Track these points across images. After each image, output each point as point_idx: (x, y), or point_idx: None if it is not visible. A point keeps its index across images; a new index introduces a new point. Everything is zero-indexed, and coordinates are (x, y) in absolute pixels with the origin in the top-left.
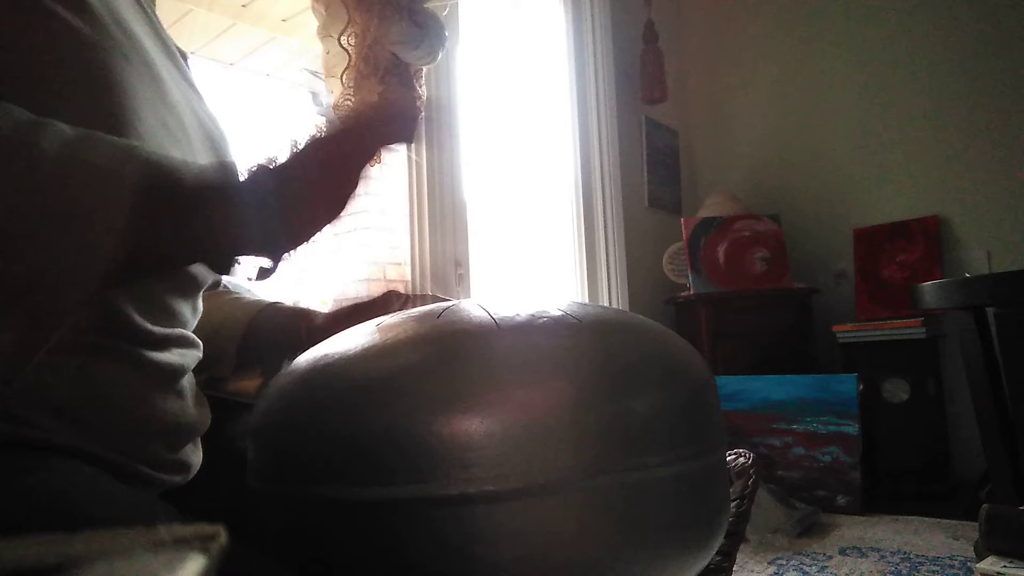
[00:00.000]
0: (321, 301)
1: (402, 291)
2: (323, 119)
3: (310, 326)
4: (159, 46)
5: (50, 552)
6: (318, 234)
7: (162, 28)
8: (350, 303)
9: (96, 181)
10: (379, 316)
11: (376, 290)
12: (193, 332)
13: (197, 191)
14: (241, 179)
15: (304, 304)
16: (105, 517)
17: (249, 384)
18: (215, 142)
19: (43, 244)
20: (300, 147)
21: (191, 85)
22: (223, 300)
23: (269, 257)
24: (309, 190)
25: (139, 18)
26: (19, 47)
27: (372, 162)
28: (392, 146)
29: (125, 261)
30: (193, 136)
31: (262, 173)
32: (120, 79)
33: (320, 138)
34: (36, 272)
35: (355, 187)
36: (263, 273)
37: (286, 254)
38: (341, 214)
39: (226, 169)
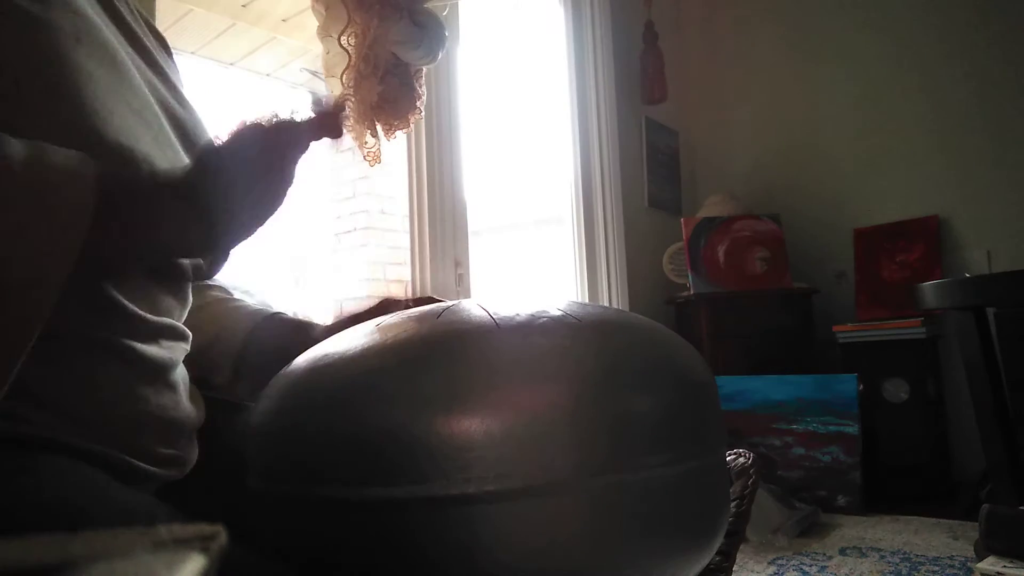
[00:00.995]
0: (323, 308)
1: (400, 297)
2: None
3: (309, 340)
4: (122, 32)
5: (50, 552)
6: (260, 227)
7: (130, 16)
8: (348, 314)
9: (62, 181)
10: None
11: (376, 290)
12: (190, 337)
13: (151, 191)
14: (191, 172)
15: (304, 315)
16: (105, 517)
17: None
18: (183, 126)
19: (16, 242)
20: (237, 133)
21: (160, 73)
22: (224, 307)
23: (213, 253)
24: (249, 176)
25: (95, 5)
26: None
27: (303, 154)
28: (322, 139)
29: (89, 256)
30: (162, 116)
31: (207, 161)
32: (73, 59)
33: (253, 127)
34: (9, 269)
35: (291, 181)
36: (208, 268)
37: (229, 249)
38: (280, 208)
39: (176, 172)
